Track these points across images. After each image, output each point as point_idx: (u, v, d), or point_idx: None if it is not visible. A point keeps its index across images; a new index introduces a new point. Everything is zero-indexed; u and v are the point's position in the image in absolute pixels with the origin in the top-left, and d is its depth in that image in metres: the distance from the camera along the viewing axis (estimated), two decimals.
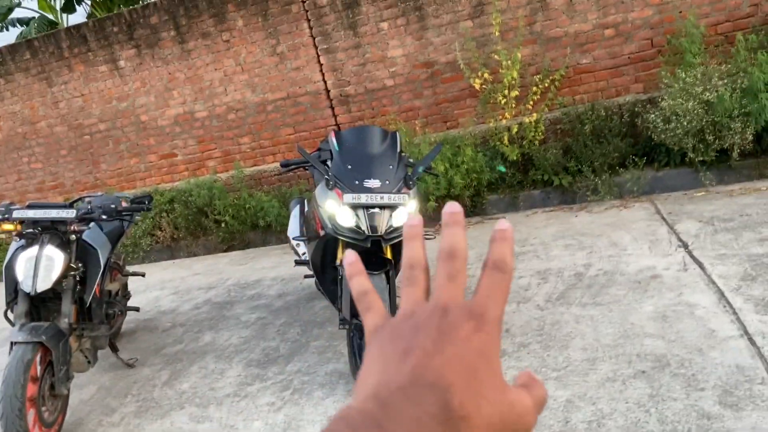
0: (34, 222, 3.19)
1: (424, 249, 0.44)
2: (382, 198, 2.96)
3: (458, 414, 0.34)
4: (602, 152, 5.30)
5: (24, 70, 7.20)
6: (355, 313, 2.95)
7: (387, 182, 3.04)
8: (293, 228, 4.04)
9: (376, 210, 2.95)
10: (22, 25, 11.67)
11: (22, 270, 3.10)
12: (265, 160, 6.86)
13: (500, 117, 5.72)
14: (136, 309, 4.41)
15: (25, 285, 3.08)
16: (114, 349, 3.82)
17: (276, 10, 6.34)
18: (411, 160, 3.42)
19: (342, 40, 6.26)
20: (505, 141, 5.62)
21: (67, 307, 3.23)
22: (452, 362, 0.36)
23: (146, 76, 6.90)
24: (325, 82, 6.44)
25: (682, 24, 5.18)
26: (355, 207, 2.96)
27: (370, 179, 3.03)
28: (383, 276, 3.00)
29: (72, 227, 3.24)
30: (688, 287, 3.30)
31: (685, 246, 3.84)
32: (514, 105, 5.63)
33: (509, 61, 5.48)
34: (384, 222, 2.95)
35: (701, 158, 4.84)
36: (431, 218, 5.03)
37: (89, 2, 11.38)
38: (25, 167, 7.63)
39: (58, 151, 7.45)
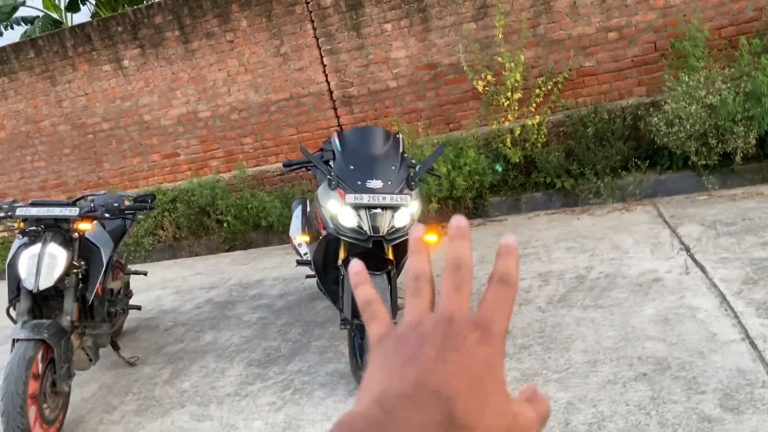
0: (37, 220, 3.20)
1: (429, 262, 0.44)
2: (384, 198, 2.97)
3: (462, 422, 0.34)
4: (605, 155, 5.30)
5: (28, 69, 7.22)
6: (356, 314, 2.95)
7: (389, 183, 3.04)
8: (295, 228, 4.04)
9: (378, 210, 2.96)
10: (26, 24, 11.69)
11: (24, 267, 3.11)
12: (268, 160, 6.87)
13: (503, 119, 5.72)
14: (138, 308, 4.42)
15: (28, 282, 3.09)
16: (115, 347, 3.82)
17: (280, 11, 6.35)
18: (413, 161, 3.43)
19: (345, 41, 6.27)
20: (508, 143, 5.62)
21: (70, 304, 3.24)
22: (457, 371, 0.36)
23: (150, 76, 6.91)
24: (328, 83, 6.45)
25: (685, 27, 5.17)
26: (357, 207, 2.97)
27: (372, 180, 3.03)
28: (384, 276, 3.01)
29: (76, 226, 3.25)
30: (689, 290, 3.30)
31: (687, 249, 3.84)
32: (516, 107, 5.63)
33: (512, 64, 5.48)
34: (386, 222, 2.96)
35: (704, 162, 4.83)
36: (433, 220, 5.04)
37: (94, 1, 11.40)
38: (29, 166, 7.65)
39: (62, 149, 7.46)
